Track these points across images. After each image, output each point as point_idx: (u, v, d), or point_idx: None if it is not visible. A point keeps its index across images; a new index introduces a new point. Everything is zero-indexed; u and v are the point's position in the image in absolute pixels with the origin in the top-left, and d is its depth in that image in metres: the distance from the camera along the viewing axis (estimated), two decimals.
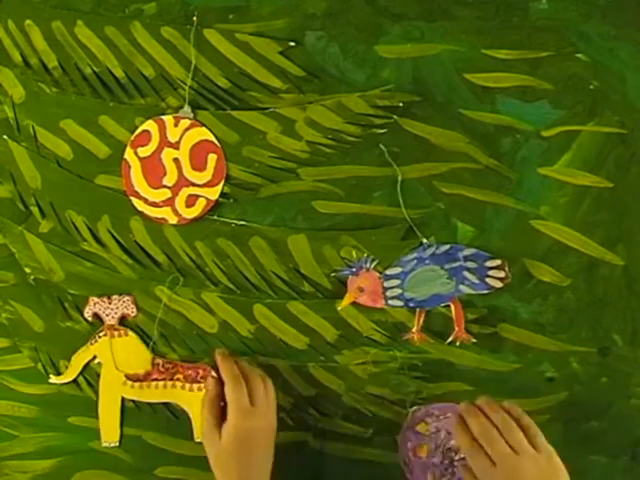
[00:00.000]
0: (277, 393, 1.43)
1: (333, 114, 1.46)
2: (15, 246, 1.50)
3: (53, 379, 1.49)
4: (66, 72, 1.49)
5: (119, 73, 1.49)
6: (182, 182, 1.47)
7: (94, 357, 1.49)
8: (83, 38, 1.49)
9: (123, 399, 1.49)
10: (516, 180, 1.48)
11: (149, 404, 1.49)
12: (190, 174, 1.46)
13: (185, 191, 1.47)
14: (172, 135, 1.47)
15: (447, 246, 1.46)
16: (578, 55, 1.48)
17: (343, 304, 1.45)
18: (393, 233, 1.46)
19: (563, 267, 1.48)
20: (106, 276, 1.49)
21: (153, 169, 1.47)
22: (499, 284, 1.46)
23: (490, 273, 1.46)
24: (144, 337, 1.49)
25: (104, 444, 1.49)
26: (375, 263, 1.45)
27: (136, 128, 1.47)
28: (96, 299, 1.48)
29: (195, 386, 1.47)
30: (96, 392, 1.49)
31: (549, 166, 1.48)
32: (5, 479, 1.50)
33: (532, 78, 1.48)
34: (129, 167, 1.47)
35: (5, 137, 1.50)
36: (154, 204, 1.47)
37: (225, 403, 1.36)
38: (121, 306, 1.48)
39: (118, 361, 1.48)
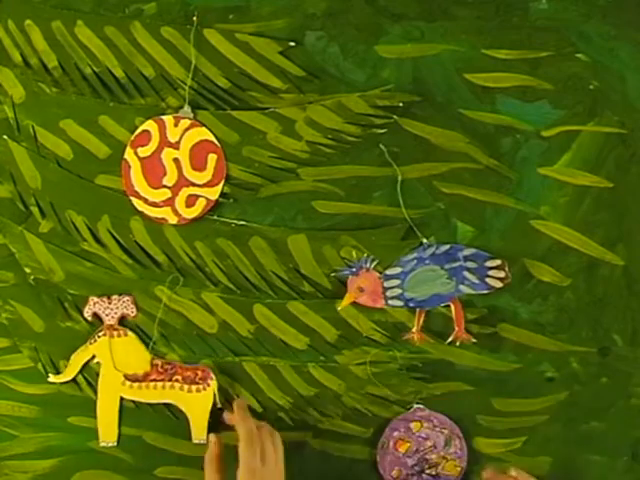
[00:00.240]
0: (277, 393, 1.44)
1: (333, 114, 1.46)
2: (15, 246, 1.50)
3: (52, 378, 1.49)
4: (66, 72, 1.49)
5: (119, 73, 1.49)
6: (182, 182, 1.47)
7: (93, 357, 1.49)
8: (83, 38, 1.49)
9: (122, 399, 1.49)
10: (516, 180, 1.48)
11: (149, 404, 1.49)
12: (190, 174, 1.46)
13: (185, 191, 1.46)
14: (172, 135, 1.47)
15: (447, 246, 1.46)
16: (578, 55, 1.48)
17: (343, 304, 1.45)
18: (393, 233, 1.46)
19: (563, 267, 1.48)
20: (106, 276, 1.49)
21: (153, 169, 1.47)
22: (499, 284, 1.46)
23: (490, 273, 1.46)
24: (144, 337, 1.49)
25: (102, 444, 1.49)
26: (375, 263, 1.45)
27: (136, 128, 1.47)
28: (96, 299, 1.48)
29: (193, 387, 1.47)
30: (96, 392, 1.49)
31: (549, 166, 1.48)
32: (5, 479, 1.50)
33: (532, 78, 1.48)
34: (129, 167, 1.47)
35: (5, 137, 1.50)
36: (154, 204, 1.47)
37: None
38: (121, 306, 1.48)
39: (117, 361, 1.48)
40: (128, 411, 1.49)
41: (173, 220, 1.47)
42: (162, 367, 1.48)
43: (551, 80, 1.48)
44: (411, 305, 1.45)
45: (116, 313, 1.48)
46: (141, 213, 1.47)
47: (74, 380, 1.49)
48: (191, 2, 1.49)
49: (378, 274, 1.45)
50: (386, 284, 1.44)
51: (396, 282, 1.44)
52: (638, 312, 1.49)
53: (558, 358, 1.49)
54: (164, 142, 1.47)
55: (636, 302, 1.49)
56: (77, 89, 1.49)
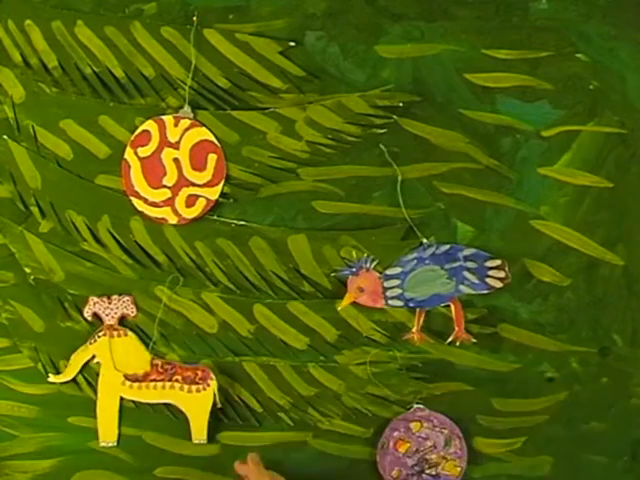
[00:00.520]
0: (277, 393, 1.44)
1: (333, 114, 1.46)
2: (15, 246, 1.50)
3: (52, 378, 1.49)
4: (66, 72, 1.50)
5: (119, 73, 1.49)
6: (182, 182, 1.47)
7: (93, 357, 1.49)
8: (83, 38, 1.49)
9: (122, 399, 1.49)
10: (516, 180, 1.48)
11: (149, 404, 1.49)
12: (190, 174, 1.46)
13: (185, 191, 1.46)
14: (172, 135, 1.46)
15: (447, 246, 1.46)
16: (578, 55, 1.48)
17: (343, 304, 1.45)
18: (393, 233, 1.46)
19: (563, 267, 1.49)
20: (106, 276, 1.49)
21: (153, 169, 1.47)
22: (499, 284, 1.46)
23: (490, 273, 1.46)
24: (144, 337, 1.49)
25: (102, 444, 1.49)
26: (375, 263, 1.45)
27: (136, 128, 1.47)
28: (96, 299, 1.48)
29: (193, 387, 1.47)
30: (96, 392, 1.49)
31: (549, 166, 1.48)
32: (5, 479, 1.50)
33: (532, 78, 1.48)
34: (129, 167, 1.47)
35: (5, 137, 1.50)
36: (154, 204, 1.47)
37: None
38: (121, 306, 1.48)
39: (117, 361, 1.48)
40: (128, 411, 1.49)
41: (173, 220, 1.46)
42: (162, 367, 1.48)
43: (551, 80, 1.48)
44: (411, 305, 1.45)
45: (116, 313, 1.48)
46: (141, 213, 1.47)
47: (74, 380, 1.49)
48: (191, 2, 1.49)
49: (378, 274, 1.45)
50: (386, 284, 1.44)
51: (396, 282, 1.44)
52: (638, 312, 1.49)
53: (558, 358, 1.49)
54: (164, 142, 1.47)
55: (636, 302, 1.49)
56: (77, 89, 1.49)
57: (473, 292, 1.46)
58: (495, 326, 1.48)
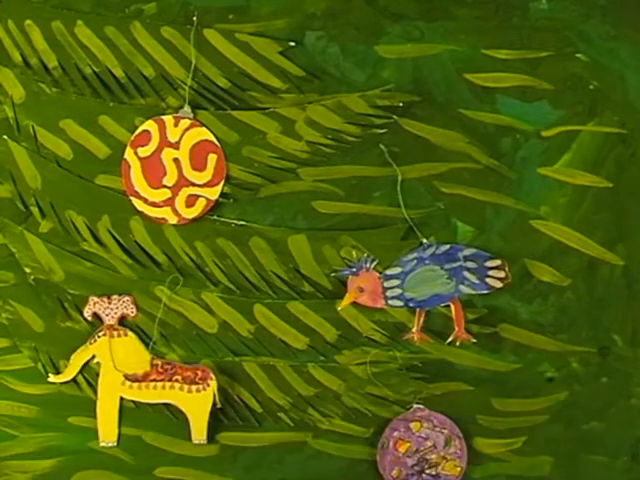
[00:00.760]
0: (277, 393, 1.45)
1: (333, 114, 1.46)
2: (15, 246, 1.50)
3: (52, 378, 1.48)
4: (66, 72, 1.50)
5: (119, 73, 1.49)
6: (182, 182, 1.47)
7: (93, 356, 1.49)
8: (83, 38, 1.49)
9: (122, 399, 1.49)
10: (516, 180, 1.48)
11: (149, 404, 1.49)
12: (190, 174, 1.46)
13: (185, 191, 1.46)
14: (172, 135, 1.46)
15: (447, 246, 1.46)
16: (578, 55, 1.48)
17: (343, 304, 1.45)
18: (393, 233, 1.46)
19: (563, 267, 1.48)
20: (106, 276, 1.49)
21: (153, 169, 1.47)
22: (499, 284, 1.46)
23: (490, 273, 1.46)
24: (144, 337, 1.49)
25: (102, 444, 1.49)
26: (375, 263, 1.45)
27: (136, 128, 1.47)
28: (96, 299, 1.48)
29: (193, 387, 1.47)
30: (96, 392, 1.49)
31: (549, 166, 1.48)
32: (5, 479, 1.50)
33: (532, 78, 1.48)
34: (129, 167, 1.47)
35: (5, 137, 1.50)
36: (154, 204, 1.47)
37: None
38: (121, 306, 1.48)
39: (117, 361, 1.48)
40: (128, 411, 1.49)
41: (173, 220, 1.46)
42: (162, 367, 1.48)
43: (551, 80, 1.48)
44: (411, 305, 1.45)
45: (116, 313, 1.48)
46: (141, 213, 1.47)
47: (74, 380, 1.49)
48: (191, 2, 1.49)
49: (378, 274, 1.45)
50: (386, 284, 1.44)
51: (396, 282, 1.44)
52: (638, 312, 1.49)
53: (558, 358, 1.49)
54: (164, 142, 1.47)
55: (636, 302, 1.49)
56: (77, 89, 1.49)
57: (473, 292, 1.46)
58: (495, 326, 1.48)
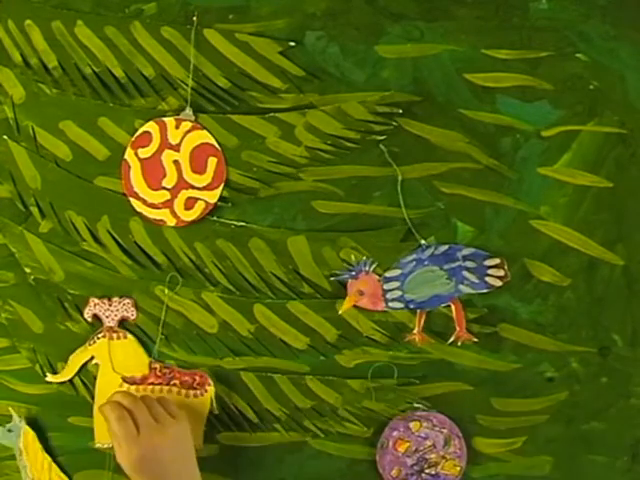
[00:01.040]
0: (274, 404, 1.45)
1: (332, 120, 1.46)
2: (15, 246, 1.50)
3: (50, 377, 1.48)
4: (66, 72, 1.49)
5: (119, 73, 1.49)
6: (181, 184, 1.47)
7: (92, 358, 1.49)
8: (83, 38, 1.49)
9: None
10: (516, 180, 1.48)
11: None
12: (190, 177, 1.46)
13: (184, 193, 1.46)
14: (173, 137, 1.46)
15: (446, 246, 1.46)
16: (578, 55, 1.48)
17: (344, 308, 1.45)
18: (392, 235, 1.46)
19: (563, 267, 1.48)
20: (106, 276, 1.49)
21: (153, 170, 1.47)
22: (499, 283, 1.46)
23: (489, 272, 1.46)
24: (143, 337, 1.49)
25: (97, 445, 1.48)
26: (374, 266, 1.45)
27: (135, 130, 1.47)
28: (96, 300, 1.48)
29: (191, 392, 1.46)
30: (92, 395, 1.49)
31: (549, 166, 1.48)
32: (5, 479, 1.50)
33: (532, 78, 1.48)
34: (129, 167, 1.47)
35: (5, 137, 1.50)
36: (153, 205, 1.47)
37: None
38: (121, 308, 1.48)
39: (116, 363, 1.48)
40: None
41: (171, 222, 1.46)
42: (160, 371, 1.48)
43: (551, 80, 1.48)
44: (411, 307, 1.45)
45: (116, 315, 1.48)
46: (140, 214, 1.47)
47: (71, 382, 1.49)
48: (191, 2, 1.49)
49: (378, 277, 1.45)
50: (386, 286, 1.44)
51: (396, 284, 1.44)
52: (638, 312, 1.49)
53: (558, 358, 1.49)
54: (165, 144, 1.46)
55: (636, 302, 1.49)
56: (77, 89, 1.49)
57: (473, 291, 1.46)
58: (495, 326, 1.48)
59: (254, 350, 1.48)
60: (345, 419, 1.48)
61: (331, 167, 1.48)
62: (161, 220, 1.47)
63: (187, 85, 1.47)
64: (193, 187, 1.46)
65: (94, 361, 1.48)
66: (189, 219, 1.46)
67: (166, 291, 1.48)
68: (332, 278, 1.46)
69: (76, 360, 1.48)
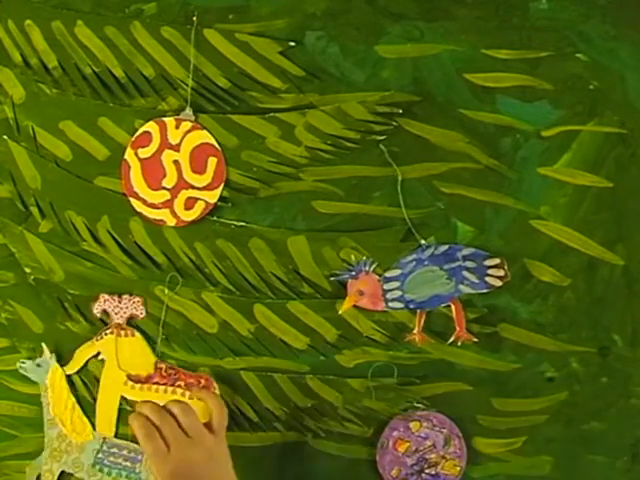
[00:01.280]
0: (274, 404, 1.45)
1: (332, 120, 1.46)
2: (15, 246, 1.50)
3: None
4: (66, 72, 1.50)
5: (119, 73, 1.49)
6: (181, 184, 1.47)
7: (98, 353, 1.49)
8: (83, 38, 1.49)
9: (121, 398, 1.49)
10: (516, 180, 1.48)
11: None
12: (190, 177, 1.46)
13: (184, 193, 1.46)
14: (173, 137, 1.46)
15: (446, 246, 1.46)
16: (578, 55, 1.48)
17: (344, 308, 1.45)
18: (392, 235, 1.46)
19: (563, 267, 1.48)
20: (106, 276, 1.49)
21: (153, 170, 1.47)
22: (499, 283, 1.46)
23: (489, 272, 1.46)
24: (143, 336, 1.49)
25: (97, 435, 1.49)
26: (374, 266, 1.45)
27: (135, 130, 1.47)
28: (107, 296, 1.48)
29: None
30: (93, 395, 1.49)
31: (549, 166, 1.48)
32: (5, 479, 1.50)
33: (532, 78, 1.48)
34: (129, 167, 1.47)
35: (5, 137, 1.50)
36: (153, 205, 1.47)
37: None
38: (131, 306, 1.48)
39: (122, 360, 1.48)
40: (128, 412, 1.49)
41: (171, 222, 1.46)
42: (166, 371, 1.49)
43: (551, 80, 1.47)
44: (411, 307, 1.45)
45: (125, 312, 1.48)
46: (140, 214, 1.47)
47: (71, 382, 1.49)
48: (191, 2, 1.49)
49: (378, 277, 1.45)
50: (386, 286, 1.44)
51: (396, 284, 1.44)
52: (638, 312, 1.49)
53: (558, 358, 1.49)
54: (165, 144, 1.47)
55: (636, 302, 1.49)
56: (77, 89, 1.49)
57: (473, 291, 1.46)
58: (495, 326, 1.48)
59: (254, 350, 1.48)
60: (345, 418, 1.48)
61: (331, 167, 1.47)
62: (161, 220, 1.47)
63: (187, 85, 1.47)
64: (193, 187, 1.46)
65: (100, 357, 1.49)
66: (189, 219, 1.46)
67: (166, 291, 1.48)
68: (332, 278, 1.46)
69: (82, 355, 1.49)
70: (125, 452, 1.48)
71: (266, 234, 1.47)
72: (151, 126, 1.47)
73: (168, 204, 1.47)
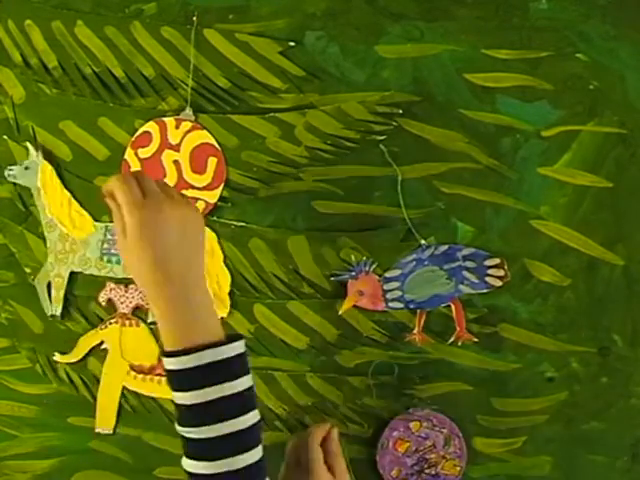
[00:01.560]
0: (275, 402, 1.46)
1: (332, 120, 1.46)
2: (15, 246, 1.50)
3: (58, 357, 1.48)
4: (66, 72, 1.50)
5: (119, 73, 1.49)
6: (181, 184, 1.47)
7: (102, 342, 1.49)
8: (83, 38, 1.49)
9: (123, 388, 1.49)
10: (516, 180, 1.48)
11: (145, 407, 1.49)
12: (190, 177, 1.46)
13: (184, 193, 1.46)
14: (173, 137, 1.46)
15: (445, 246, 1.46)
16: (578, 55, 1.48)
17: (344, 308, 1.45)
18: (392, 235, 1.46)
19: (563, 267, 1.48)
20: (106, 277, 1.49)
21: (153, 170, 1.46)
22: (499, 282, 1.46)
23: (489, 272, 1.46)
24: None
25: (97, 429, 1.49)
26: (374, 266, 1.45)
27: (135, 130, 1.47)
28: (113, 285, 1.48)
29: None
30: (93, 395, 1.49)
31: (549, 166, 1.48)
32: (5, 479, 1.50)
33: (532, 78, 1.48)
34: (129, 167, 1.47)
35: (5, 137, 1.50)
36: None
37: None
38: (137, 296, 1.48)
39: (125, 350, 1.48)
40: (128, 412, 1.49)
41: None
42: None
43: (551, 80, 1.47)
44: (411, 307, 1.45)
45: (131, 302, 1.48)
46: None
47: (71, 382, 1.49)
48: (191, 2, 1.49)
49: (377, 277, 1.45)
50: (386, 287, 1.44)
51: (396, 284, 1.44)
52: (638, 312, 1.49)
53: (558, 358, 1.48)
54: (165, 144, 1.47)
55: (636, 302, 1.49)
56: (77, 89, 1.49)
57: (473, 291, 1.46)
58: (495, 326, 1.48)
59: (254, 350, 1.48)
60: (346, 417, 1.48)
61: (331, 167, 1.47)
62: None
63: (187, 85, 1.47)
64: (193, 187, 1.46)
65: (103, 345, 1.49)
66: None
67: None
68: (332, 278, 1.46)
69: (85, 343, 1.49)
70: None
71: (266, 234, 1.47)
72: (151, 126, 1.47)
73: None
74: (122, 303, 1.48)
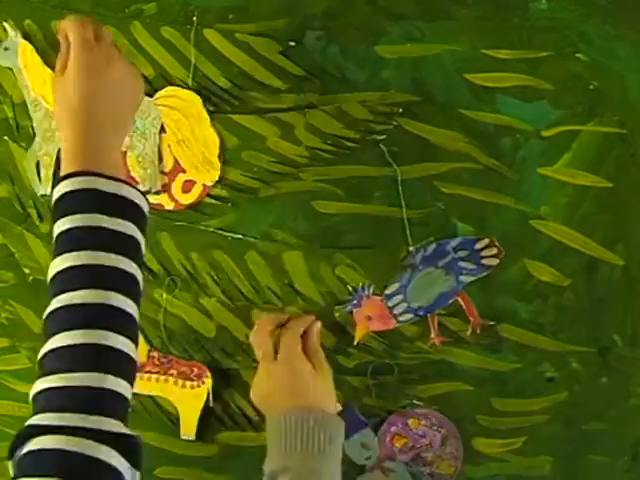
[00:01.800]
0: None
1: (333, 120, 1.46)
2: (15, 246, 1.50)
3: None
4: None
5: None
6: (178, 168, 1.48)
7: None
8: None
9: None
10: (516, 180, 1.48)
11: (145, 408, 1.49)
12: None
13: (181, 177, 1.47)
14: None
15: (433, 245, 1.46)
16: (578, 55, 1.48)
17: (358, 337, 1.46)
18: (391, 254, 1.46)
19: (563, 267, 1.48)
20: None
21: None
22: (495, 261, 1.45)
23: (483, 254, 1.46)
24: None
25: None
26: (373, 287, 1.45)
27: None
28: None
29: (187, 383, 1.46)
30: None
31: (549, 166, 1.48)
32: (5, 479, 1.50)
33: (532, 78, 1.47)
34: (125, 153, 1.48)
35: (5, 137, 1.50)
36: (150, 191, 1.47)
37: None
38: None
39: None
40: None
41: (169, 206, 1.48)
42: (159, 360, 1.48)
43: (551, 80, 1.47)
44: (421, 314, 1.45)
45: None
46: None
47: None
48: (191, 2, 1.49)
49: (379, 297, 1.45)
50: (390, 303, 1.44)
51: (399, 298, 1.44)
52: (638, 312, 1.49)
53: (558, 358, 1.48)
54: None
55: (636, 302, 1.49)
56: None
57: (474, 278, 1.46)
58: (495, 326, 1.48)
59: (251, 355, 1.47)
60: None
61: (331, 167, 1.48)
62: (159, 204, 1.47)
63: (187, 85, 1.47)
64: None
65: None
66: (187, 202, 1.48)
67: (164, 295, 1.48)
68: (337, 314, 1.47)
69: None
70: None
71: (262, 248, 1.47)
72: None
73: (166, 188, 1.48)
74: None
